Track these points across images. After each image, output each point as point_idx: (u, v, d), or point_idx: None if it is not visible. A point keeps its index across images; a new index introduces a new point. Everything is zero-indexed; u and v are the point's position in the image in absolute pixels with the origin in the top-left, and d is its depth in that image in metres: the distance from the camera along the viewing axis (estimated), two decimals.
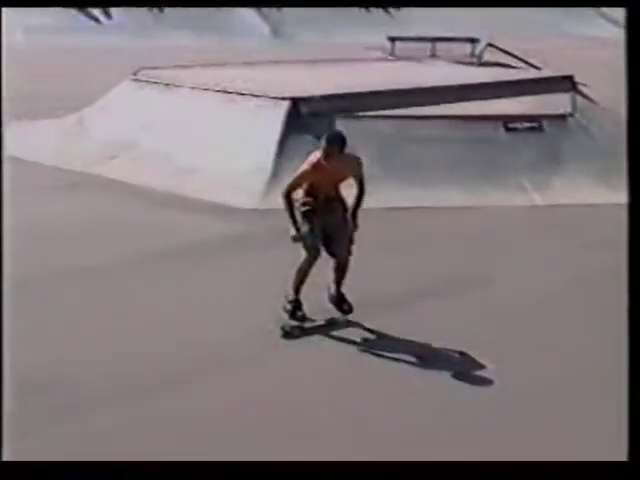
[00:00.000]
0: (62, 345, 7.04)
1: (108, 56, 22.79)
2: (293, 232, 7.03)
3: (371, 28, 29.46)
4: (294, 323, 7.19)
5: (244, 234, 10.13)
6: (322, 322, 7.31)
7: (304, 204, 7.08)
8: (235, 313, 7.73)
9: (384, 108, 12.31)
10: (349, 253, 7.23)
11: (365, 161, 7.51)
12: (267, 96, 12.27)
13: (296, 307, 7.26)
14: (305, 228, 7.04)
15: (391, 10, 34.68)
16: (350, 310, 7.33)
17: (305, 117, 11.97)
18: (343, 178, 7.19)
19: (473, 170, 11.60)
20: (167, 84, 13.50)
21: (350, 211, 7.19)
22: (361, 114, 12.06)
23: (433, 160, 11.73)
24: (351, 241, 7.25)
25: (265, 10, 33.81)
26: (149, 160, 12.33)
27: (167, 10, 31.84)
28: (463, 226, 10.34)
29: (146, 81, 13.77)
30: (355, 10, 35.08)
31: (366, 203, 7.42)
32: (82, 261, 9.04)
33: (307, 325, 7.25)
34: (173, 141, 12.50)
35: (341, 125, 11.34)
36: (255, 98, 12.38)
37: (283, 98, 12.08)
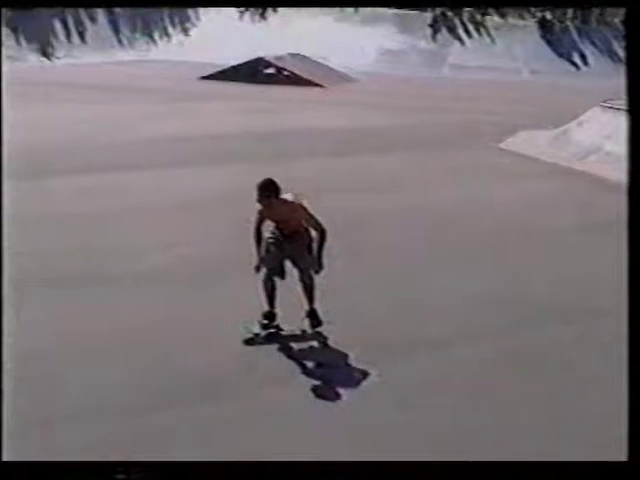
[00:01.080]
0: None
1: (582, 92, 26.41)
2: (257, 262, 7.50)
3: None
4: (262, 331, 7.45)
5: None
6: (293, 332, 7.49)
7: (271, 233, 7.51)
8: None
9: None
10: (311, 278, 7.48)
11: None
12: None
13: (267, 318, 7.53)
14: (263, 251, 7.48)
15: None
16: (319, 324, 7.55)
17: None
18: (294, 220, 7.37)
19: None
20: (619, 109, 17.17)
21: (315, 254, 7.43)
22: None
23: None
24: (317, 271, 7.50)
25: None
26: (607, 160, 15.86)
27: None
28: None
29: (609, 107, 17.86)
30: None
31: None
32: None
33: (282, 333, 7.47)
34: (622, 146, 14.89)
35: None
36: None
37: None
